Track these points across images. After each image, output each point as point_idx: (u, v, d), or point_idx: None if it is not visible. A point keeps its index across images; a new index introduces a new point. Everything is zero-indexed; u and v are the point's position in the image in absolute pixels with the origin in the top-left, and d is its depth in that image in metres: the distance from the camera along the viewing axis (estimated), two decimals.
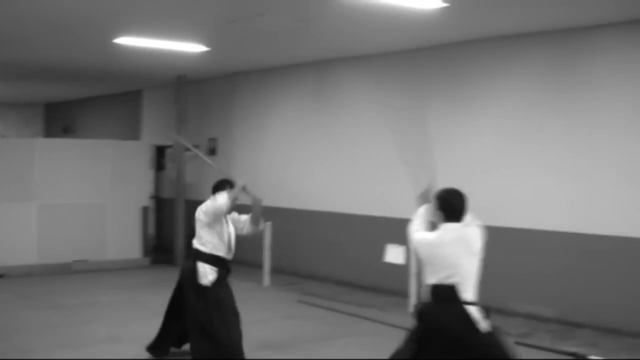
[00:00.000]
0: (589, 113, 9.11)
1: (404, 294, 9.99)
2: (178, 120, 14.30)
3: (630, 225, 8.64)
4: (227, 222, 7.15)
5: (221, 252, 7.04)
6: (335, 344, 8.24)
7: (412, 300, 9.72)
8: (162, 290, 11.30)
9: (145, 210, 14.24)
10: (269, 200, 13.52)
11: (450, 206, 5.38)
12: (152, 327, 7.61)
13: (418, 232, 5.46)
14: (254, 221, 7.27)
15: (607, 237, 8.89)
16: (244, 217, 7.30)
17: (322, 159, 12.45)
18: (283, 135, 13.45)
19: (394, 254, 9.65)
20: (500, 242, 9.77)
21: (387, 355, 5.83)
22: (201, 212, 7.06)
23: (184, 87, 14.38)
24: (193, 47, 10.99)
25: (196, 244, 7.10)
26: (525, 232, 9.68)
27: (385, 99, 11.61)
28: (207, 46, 10.95)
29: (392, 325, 9.15)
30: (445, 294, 5.26)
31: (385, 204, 11.40)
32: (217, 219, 6.98)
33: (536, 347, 8.19)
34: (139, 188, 14.14)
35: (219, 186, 7.24)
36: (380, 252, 9.78)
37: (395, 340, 8.43)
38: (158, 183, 16.17)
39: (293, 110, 13.32)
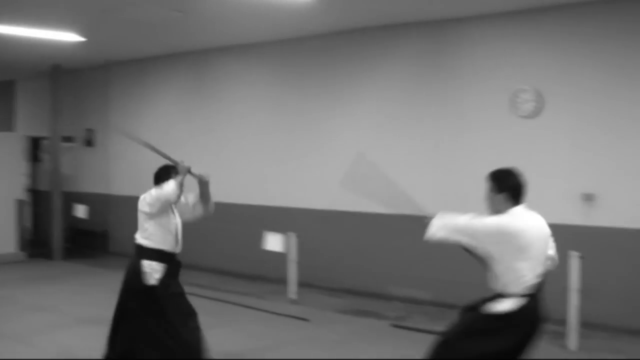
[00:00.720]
0: (458, 102, 9.45)
1: (282, 282, 10.11)
2: (53, 110, 13.93)
3: None
4: (173, 212, 6.47)
5: (168, 245, 6.40)
6: (215, 333, 8.23)
7: (292, 287, 9.86)
8: (39, 286, 11.15)
9: (20, 203, 13.84)
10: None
11: (516, 187, 4.83)
12: (26, 324, 7.45)
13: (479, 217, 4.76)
14: (204, 201, 6.65)
15: None
16: (191, 199, 6.67)
17: (202, 148, 12.39)
18: (162, 125, 13.30)
19: (273, 242, 9.73)
20: (376, 228, 10.05)
21: (267, 341, 5.89)
22: (145, 203, 6.28)
23: (60, 77, 14.01)
24: (68, 37, 10.73)
25: (139, 238, 6.38)
26: (398, 218, 9.91)
27: (263, 88, 11.68)
28: (82, 35, 10.72)
29: (271, 312, 9.27)
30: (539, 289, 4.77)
31: (264, 192, 11.49)
32: (164, 209, 6.29)
33: (412, 328, 8.43)
34: (12, 180, 13.71)
35: (161, 173, 6.57)
36: (260, 240, 9.83)
37: (272, 327, 8.59)
38: (34, 175, 15.74)
39: (171, 100, 13.20)
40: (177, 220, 6.52)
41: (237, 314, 9.25)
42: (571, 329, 7.67)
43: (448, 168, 9.53)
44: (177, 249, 6.52)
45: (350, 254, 10.38)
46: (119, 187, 14.13)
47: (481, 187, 5.01)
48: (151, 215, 6.28)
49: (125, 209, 13.69)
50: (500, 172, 4.87)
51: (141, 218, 6.36)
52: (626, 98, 8.18)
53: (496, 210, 4.78)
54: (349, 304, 9.86)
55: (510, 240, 4.59)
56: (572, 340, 7.66)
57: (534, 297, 4.68)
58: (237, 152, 12.00)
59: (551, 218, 8.50)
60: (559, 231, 8.50)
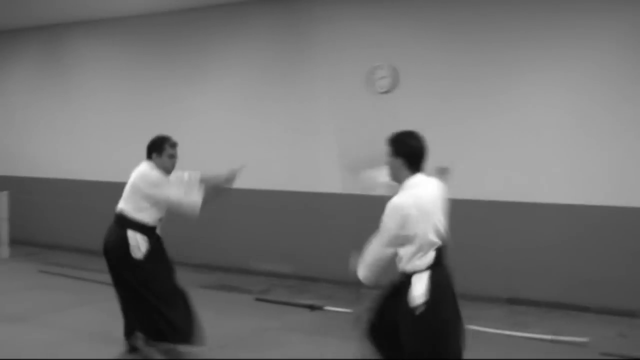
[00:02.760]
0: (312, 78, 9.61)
1: None
2: None
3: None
4: None
5: (154, 221, 6.21)
6: (75, 312, 8.11)
7: None
8: None
9: None
10: (5, 170, 13.03)
11: (415, 151, 4.53)
12: None
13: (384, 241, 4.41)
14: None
15: (326, 194, 9.51)
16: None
17: (58, 125, 12.08)
18: (16, 102, 12.86)
19: None
20: (238, 203, 10.11)
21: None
22: (150, 185, 6.08)
23: None
24: None
25: (127, 210, 6.15)
26: (256, 193, 10.02)
27: (116, 65, 11.49)
28: None
29: None
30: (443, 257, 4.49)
31: (121, 169, 11.30)
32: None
33: (275, 301, 8.56)
34: None
35: (155, 146, 6.28)
36: None
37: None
38: None
39: (24, 75, 12.76)
40: None
41: (96, 293, 9.09)
42: None
43: (301, 145, 9.72)
44: (159, 225, 6.32)
45: (212, 229, 10.39)
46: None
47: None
48: (154, 202, 6.12)
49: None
50: (398, 135, 4.54)
51: (137, 194, 6.14)
52: (474, 73, 8.57)
53: (394, 175, 4.55)
54: (211, 279, 9.90)
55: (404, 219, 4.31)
56: None
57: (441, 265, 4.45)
58: (93, 128, 11.76)
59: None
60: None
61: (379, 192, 4.99)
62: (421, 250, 4.34)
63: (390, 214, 4.33)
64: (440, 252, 4.41)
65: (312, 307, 8.26)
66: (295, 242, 9.79)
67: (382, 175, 4.85)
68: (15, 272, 10.41)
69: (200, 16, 10.46)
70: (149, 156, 6.25)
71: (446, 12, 8.70)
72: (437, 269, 4.38)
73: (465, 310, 4.53)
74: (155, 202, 6.12)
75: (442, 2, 8.71)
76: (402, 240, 4.34)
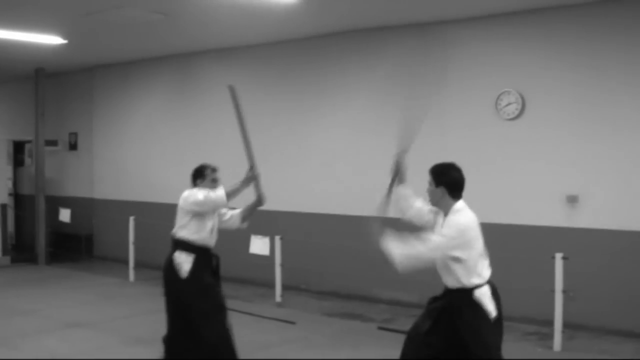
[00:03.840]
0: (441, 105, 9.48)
1: (270, 285, 10.12)
2: (37, 114, 13.86)
3: None
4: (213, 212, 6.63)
5: (201, 240, 6.50)
6: None
7: (277, 290, 9.88)
8: (24, 290, 11.10)
9: (3, 207, 13.79)
10: (131, 195, 13.46)
11: (457, 181, 4.97)
12: (11, 327, 7.42)
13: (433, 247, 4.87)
14: (246, 216, 6.90)
15: None
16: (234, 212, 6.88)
17: (184, 151, 12.38)
18: (145, 129, 13.29)
19: (259, 245, 9.72)
20: (361, 230, 10.03)
21: (254, 344, 5.87)
22: (189, 202, 6.44)
23: (43, 80, 13.95)
24: (50, 39, 10.69)
25: (176, 233, 6.55)
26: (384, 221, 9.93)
27: (243, 91, 11.66)
28: (65, 38, 10.68)
29: (257, 316, 9.26)
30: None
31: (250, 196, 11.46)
32: (209, 211, 6.49)
33: (398, 331, 8.43)
34: None
35: (197, 173, 6.74)
36: (247, 244, 9.83)
37: (259, 329, 8.59)
38: (17, 179, 15.69)
39: (155, 104, 13.17)
40: (214, 220, 6.68)
41: None
42: (556, 330, 7.71)
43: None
44: (210, 244, 6.66)
45: (336, 256, 10.38)
46: (102, 191, 14.10)
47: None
48: (194, 213, 6.45)
49: (109, 212, 13.70)
50: (439, 167, 5.06)
51: (181, 213, 6.56)
52: (606, 100, 8.24)
53: (435, 202, 5.02)
54: (335, 306, 9.87)
55: (468, 236, 4.81)
56: (557, 341, 7.70)
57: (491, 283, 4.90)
58: (220, 155, 11.97)
59: (536, 220, 8.68)
60: (543, 233, 8.65)
61: (409, 215, 5.44)
62: (478, 266, 4.82)
63: (455, 229, 4.78)
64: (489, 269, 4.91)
65: None
66: (420, 270, 9.62)
67: (417, 201, 5.31)
68: (141, 295, 10.65)
69: (329, 43, 10.52)
70: (195, 184, 6.64)
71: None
72: (492, 284, 4.86)
73: None
74: (190, 212, 6.43)
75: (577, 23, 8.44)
76: (459, 254, 4.78)
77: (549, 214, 8.57)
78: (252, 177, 6.71)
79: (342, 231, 10.31)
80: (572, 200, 8.40)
